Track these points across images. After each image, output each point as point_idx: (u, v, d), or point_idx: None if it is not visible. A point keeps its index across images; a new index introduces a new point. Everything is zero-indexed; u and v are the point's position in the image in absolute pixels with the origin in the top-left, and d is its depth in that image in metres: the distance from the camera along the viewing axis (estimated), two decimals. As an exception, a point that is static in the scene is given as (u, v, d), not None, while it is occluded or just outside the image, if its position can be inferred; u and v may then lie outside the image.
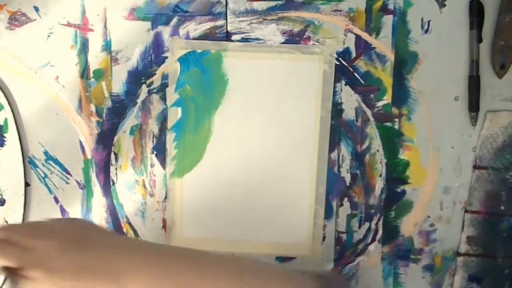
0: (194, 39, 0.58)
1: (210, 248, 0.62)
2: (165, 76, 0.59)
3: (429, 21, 0.57)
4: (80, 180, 0.62)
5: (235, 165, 0.60)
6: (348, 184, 0.61)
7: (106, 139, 0.61)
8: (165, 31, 0.58)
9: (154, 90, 0.60)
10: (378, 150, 0.60)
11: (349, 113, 0.59)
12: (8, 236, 0.42)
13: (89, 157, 0.61)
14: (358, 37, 0.58)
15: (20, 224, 0.45)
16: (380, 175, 0.60)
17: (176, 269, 0.45)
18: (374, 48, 0.58)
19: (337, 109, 0.59)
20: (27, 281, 0.41)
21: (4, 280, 0.42)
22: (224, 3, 0.58)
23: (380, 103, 0.59)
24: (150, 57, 0.59)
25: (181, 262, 0.46)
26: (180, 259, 0.46)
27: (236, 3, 0.57)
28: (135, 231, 0.62)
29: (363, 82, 0.59)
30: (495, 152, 0.59)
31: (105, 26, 0.58)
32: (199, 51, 0.58)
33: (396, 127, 0.59)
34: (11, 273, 0.41)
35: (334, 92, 0.59)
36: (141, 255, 0.44)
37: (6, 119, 0.60)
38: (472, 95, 0.58)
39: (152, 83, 0.59)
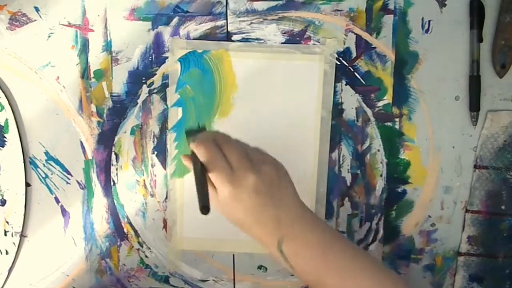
0: (194, 39, 0.58)
1: (210, 248, 0.62)
2: (165, 76, 0.59)
3: (429, 21, 0.57)
4: (81, 180, 0.62)
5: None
6: (348, 184, 0.61)
7: (106, 139, 0.61)
8: (166, 31, 0.58)
9: (155, 90, 0.60)
10: (378, 150, 0.60)
11: (349, 113, 0.59)
12: (224, 148, 0.47)
13: (89, 157, 0.61)
14: (358, 37, 0.58)
15: (239, 142, 0.49)
16: (381, 175, 0.60)
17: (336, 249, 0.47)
18: (375, 48, 0.58)
19: (337, 109, 0.59)
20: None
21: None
22: (225, 3, 0.58)
23: (380, 103, 0.59)
24: (150, 57, 0.59)
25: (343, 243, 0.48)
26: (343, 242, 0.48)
27: (237, 3, 0.58)
28: (135, 231, 0.62)
29: (363, 82, 0.59)
30: (496, 151, 0.59)
31: (105, 27, 0.58)
32: (199, 51, 0.58)
33: (397, 127, 0.59)
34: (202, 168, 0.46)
35: (335, 92, 0.59)
36: (309, 225, 0.47)
37: (6, 119, 0.60)
38: (472, 94, 0.58)
39: (152, 83, 0.59)
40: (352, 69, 0.59)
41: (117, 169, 0.61)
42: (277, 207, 0.46)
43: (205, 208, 0.43)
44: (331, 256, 0.46)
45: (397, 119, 0.59)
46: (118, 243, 0.63)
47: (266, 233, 0.46)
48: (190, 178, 0.60)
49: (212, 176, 0.46)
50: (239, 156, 0.46)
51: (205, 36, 0.58)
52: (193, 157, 0.47)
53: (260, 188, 0.45)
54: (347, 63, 0.58)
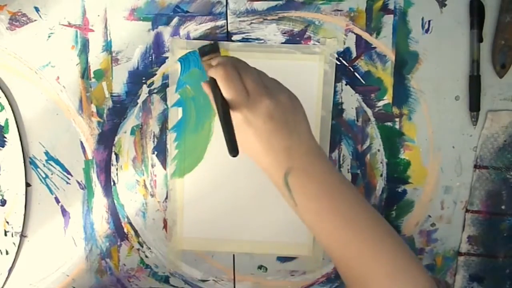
0: (194, 39, 0.58)
1: (210, 248, 0.62)
2: (165, 76, 0.59)
3: (429, 21, 0.57)
4: (81, 181, 0.62)
5: (236, 165, 0.60)
6: (348, 184, 0.61)
7: (107, 140, 0.61)
8: (166, 31, 0.58)
9: (155, 90, 0.60)
10: (378, 150, 0.60)
11: (349, 113, 0.59)
12: (242, 73, 0.47)
13: (90, 157, 0.61)
14: (358, 37, 0.58)
15: (257, 70, 0.49)
16: (381, 175, 0.60)
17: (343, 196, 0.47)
18: (375, 48, 0.58)
19: (337, 109, 0.59)
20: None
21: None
22: (225, 3, 0.58)
23: (380, 103, 0.59)
24: (150, 58, 0.59)
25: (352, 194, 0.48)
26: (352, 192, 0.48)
27: (237, 3, 0.58)
28: (136, 231, 0.62)
29: (363, 82, 0.59)
30: (496, 151, 0.59)
31: (105, 27, 0.58)
32: (199, 51, 0.58)
33: (397, 126, 0.59)
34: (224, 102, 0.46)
35: (335, 92, 0.59)
36: (318, 160, 0.47)
37: (6, 119, 0.60)
38: (472, 94, 0.58)
39: (152, 83, 0.59)
40: (352, 69, 0.59)
41: (117, 169, 0.61)
42: (289, 136, 0.46)
43: (234, 150, 0.43)
44: (337, 199, 0.46)
45: (397, 119, 0.59)
46: (118, 243, 0.63)
47: (275, 162, 0.46)
48: (190, 178, 0.61)
49: (227, 98, 0.46)
50: (255, 81, 0.46)
51: (205, 36, 0.58)
52: (212, 84, 0.47)
53: (274, 114, 0.45)
54: (347, 63, 0.58)
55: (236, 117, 0.46)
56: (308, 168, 0.46)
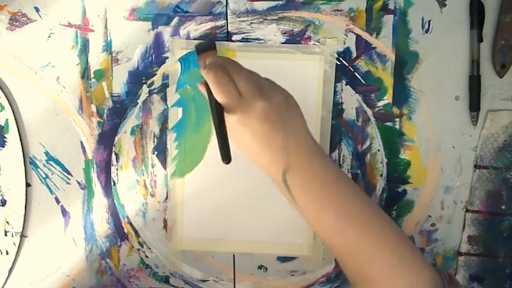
0: (194, 39, 0.58)
1: (210, 248, 0.62)
2: (165, 77, 0.59)
3: (429, 21, 0.57)
4: (81, 181, 0.62)
5: (236, 165, 0.60)
6: (349, 184, 0.61)
7: (107, 140, 0.61)
8: (166, 32, 0.58)
9: (155, 91, 0.60)
10: (378, 150, 0.60)
11: (349, 113, 0.59)
12: (234, 75, 0.46)
13: (90, 157, 0.61)
14: (358, 37, 0.58)
15: (249, 71, 0.49)
16: (381, 175, 0.60)
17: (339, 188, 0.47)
18: (375, 48, 0.58)
19: (337, 109, 0.59)
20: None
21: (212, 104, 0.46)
22: (225, 3, 0.58)
23: (380, 103, 0.59)
24: (150, 58, 0.59)
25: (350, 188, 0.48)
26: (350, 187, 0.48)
27: (237, 3, 0.58)
28: (136, 231, 0.62)
29: (363, 82, 0.59)
30: (496, 151, 0.59)
31: (105, 27, 0.58)
32: (199, 51, 0.58)
33: (397, 126, 0.59)
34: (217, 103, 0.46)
35: (335, 92, 0.59)
36: (316, 157, 0.47)
37: (7, 119, 0.60)
38: (472, 94, 0.58)
39: (152, 83, 0.59)
40: (352, 69, 0.59)
41: (117, 169, 0.61)
42: (286, 134, 0.46)
43: (226, 157, 0.43)
44: (336, 195, 0.46)
45: (397, 119, 0.59)
46: (118, 243, 0.63)
47: (273, 161, 0.46)
48: (190, 178, 0.61)
49: (220, 102, 0.46)
50: (248, 83, 0.46)
51: (205, 36, 0.58)
52: (206, 87, 0.47)
53: (269, 114, 0.45)
54: (347, 63, 0.58)
55: (230, 119, 0.46)
56: (306, 165, 0.46)
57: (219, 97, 0.46)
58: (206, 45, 0.54)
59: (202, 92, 0.50)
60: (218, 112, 0.46)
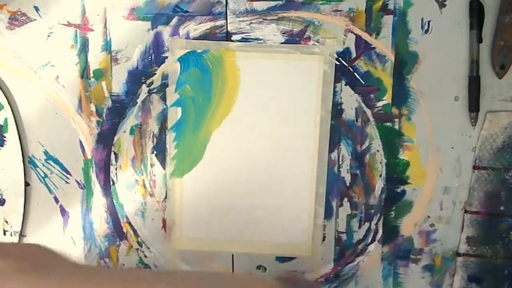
0: (194, 39, 0.58)
1: (209, 248, 0.62)
2: (165, 76, 0.59)
3: (429, 21, 0.57)
4: (80, 180, 0.62)
5: (235, 165, 0.60)
6: (348, 184, 0.61)
7: (106, 139, 0.61)
8: (165, 31, 0.58)
9: (154, 90, 0.60)
10: (378, 150, 0.60)
11: (349, 113, 0.59)
12: None
13: (89, 157, 0.61)
14: (358, 37, 0.58)
15: None
16: (380, 175, 0.60)
17: None
18: (374, 48, 0.58)
19: (337, 109, 0.59)
20: None
21: None
22: (224, 3, 0.58)
23: (380, 103, 0.59)
24: (150, 57, 0.59)
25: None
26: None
27: (236, 3, 0.57)
28: (135, 231, 0.62)
29: (363, 82, 0.59)
30: (495, 152, 0.59)
31: (105, 26, 0.58)
32: (199, 51, 0.58)
33: (396, 127, 0.59)
34: None
35: (334, 92, 0.59)
36: (93, 283, 0.42)
37: (6, 119, 0.60)
38: (472, 95, 0.58)
39: (152, 83, 0.59)
40: (351, 69, 0.59)
41: (116, 169, 0.61)
42: None
43: None
44: None
45: (396, 119, 0.59)
46: (117, 243, 0.63)
47: None
48: (190, 178, 0.60)
49: None
50: None
51: (204, 36, 0.58)
52: None
53: None
54: (346, 63, 0.58)
55: None
56: None
57: None
58: None
59: None
60: None
